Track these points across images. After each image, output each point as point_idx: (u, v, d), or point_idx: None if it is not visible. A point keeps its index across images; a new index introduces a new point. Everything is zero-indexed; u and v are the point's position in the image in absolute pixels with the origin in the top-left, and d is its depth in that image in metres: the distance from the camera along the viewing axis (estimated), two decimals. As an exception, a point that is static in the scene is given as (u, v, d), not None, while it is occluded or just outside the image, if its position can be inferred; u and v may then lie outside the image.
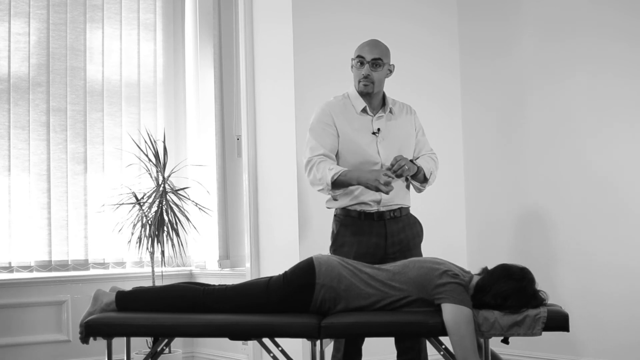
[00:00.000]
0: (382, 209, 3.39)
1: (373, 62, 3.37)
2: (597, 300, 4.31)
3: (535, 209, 4.68)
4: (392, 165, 3.23)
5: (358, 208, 3.39)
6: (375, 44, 3.42)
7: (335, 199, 3.42)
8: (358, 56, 3.40)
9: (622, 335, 4.20)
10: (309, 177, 3.38)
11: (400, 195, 3.43)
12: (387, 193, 3.20)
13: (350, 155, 3.38)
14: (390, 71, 3.47)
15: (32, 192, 5.06)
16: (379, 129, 3.41)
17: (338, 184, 3.27)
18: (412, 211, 3.53)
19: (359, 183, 3.23)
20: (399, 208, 3.42)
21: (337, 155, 3.38)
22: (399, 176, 3.24)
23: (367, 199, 3.38)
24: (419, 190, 3.52)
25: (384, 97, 3.49)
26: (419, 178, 3.42)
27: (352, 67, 3.45)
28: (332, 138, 3.38)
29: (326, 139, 3.37)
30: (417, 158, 3.47)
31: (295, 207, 4.54)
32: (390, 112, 3.47)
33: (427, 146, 3.57)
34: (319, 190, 3.36)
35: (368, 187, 3.21)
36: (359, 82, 3.40)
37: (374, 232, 3.38)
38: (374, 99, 3.44)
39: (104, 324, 2.92)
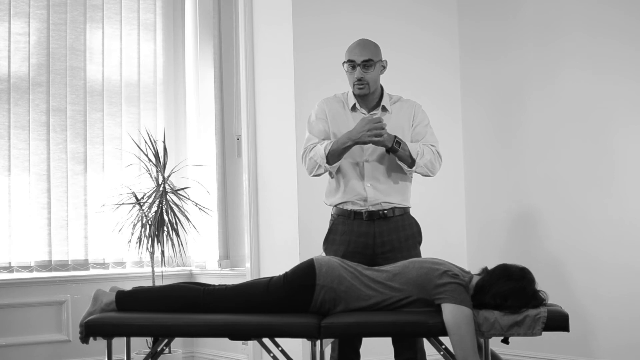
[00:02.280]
0: (371, 208, 3.37)
1: (364, 64, 3.34)
2: (597, 300, 4.31)
3: (535, 209, 4.68)
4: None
5: (349, 207, 3.39)
6: (363, 45, 3.39)
7: (332, 176, 3.41)
8: (349, 60, 3.38)
9: (622, 335, 4.20)
10: (305, 165, 3.40)
11: (391, 194, 3.39)
12: (381, 140, 3.22)
13: None
14: (384, 67, 3.44)
15: (32, 192, 5.05)
16: None
17: (333, 155, 3.28)
18: (412, 211, 3.50)
19: (350, 140, 3.24)
20: (392, 208, 3.38)
21: None
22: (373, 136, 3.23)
23: (352, 198, 3.37)
24: (409, 173, 3.40)
25: (382, 94, 3.47)
26: (405, 159, 3.32)
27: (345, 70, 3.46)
28: (326, 131, 3.41)
29: (321, 132, 3.41)
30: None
31: (295, 207, 4.54)
32: (385, 109, 3.44)
33: (429, 138, 3.44)
34: (316, 174, 3.37)
35: (361, 141, 3.22)
36: (354, 85, 3.39)
37: (363, 232, 3.36)
38: (369, 97, 3.44)
39: (104, 324, 2.93)
